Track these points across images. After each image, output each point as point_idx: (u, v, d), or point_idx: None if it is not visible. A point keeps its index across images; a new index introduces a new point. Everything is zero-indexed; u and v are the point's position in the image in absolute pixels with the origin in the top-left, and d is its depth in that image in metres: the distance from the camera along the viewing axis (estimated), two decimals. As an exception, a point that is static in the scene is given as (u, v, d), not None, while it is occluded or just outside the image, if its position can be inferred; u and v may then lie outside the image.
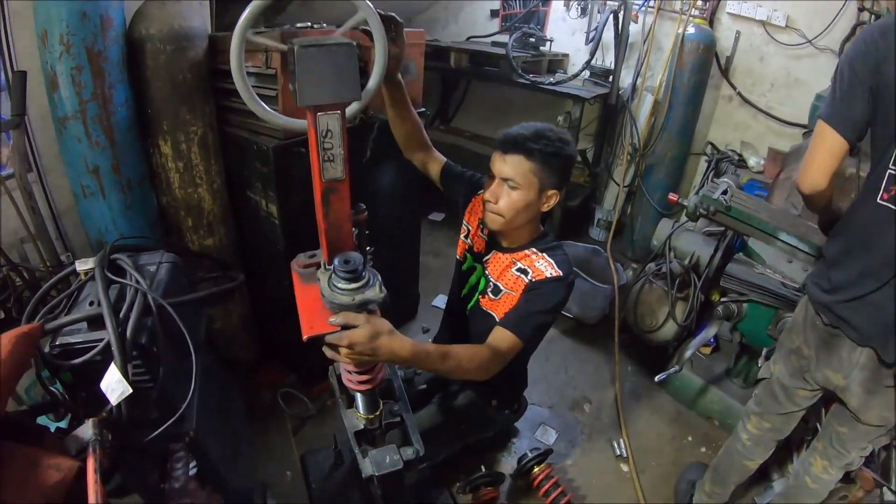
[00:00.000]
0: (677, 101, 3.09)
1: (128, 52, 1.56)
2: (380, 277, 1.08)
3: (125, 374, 1.06)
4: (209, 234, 1.85)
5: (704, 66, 3.03)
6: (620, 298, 2.76)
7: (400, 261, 2.62)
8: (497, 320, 1.48)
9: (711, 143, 3.36)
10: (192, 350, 1.21)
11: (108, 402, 1.05)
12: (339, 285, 1.03)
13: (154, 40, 1.56)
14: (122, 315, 1.13)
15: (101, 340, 1.09)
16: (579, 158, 3.57)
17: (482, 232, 1.59)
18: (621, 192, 3.55)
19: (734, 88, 3.19)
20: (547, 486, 1.80)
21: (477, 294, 1.60)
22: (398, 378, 1.44)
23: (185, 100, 1.64)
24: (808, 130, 2.21)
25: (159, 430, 1.14)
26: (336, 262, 1.03)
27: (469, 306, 1.64)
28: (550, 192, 1.40)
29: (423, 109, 2.28)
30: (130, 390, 1.05)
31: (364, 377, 1.20)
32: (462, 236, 1.66)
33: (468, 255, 1.64)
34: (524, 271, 1.44)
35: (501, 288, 1.49)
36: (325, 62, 1.03)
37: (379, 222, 2.38)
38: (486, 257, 1.57)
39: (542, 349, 2.71)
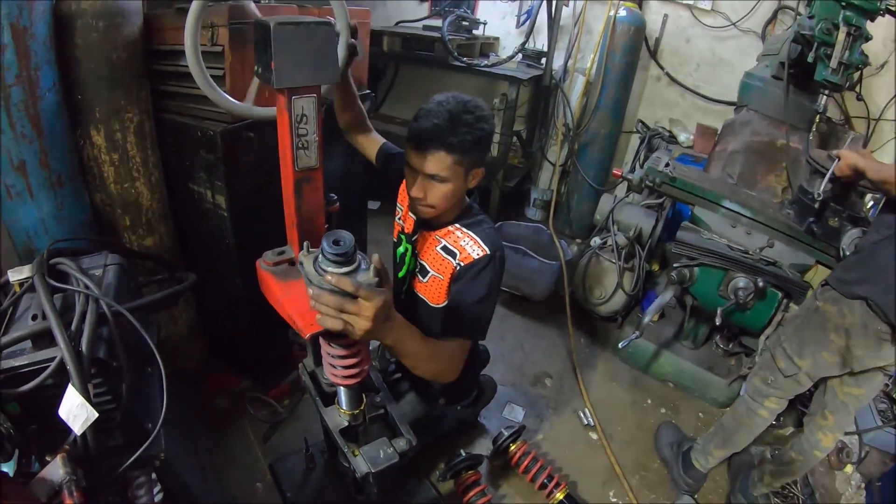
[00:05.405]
0: (609, 81, 3.20)
1: (55, 28, 1.35)
2: (370, 260, 1.00)
3: (86, 395, 0.93)
4: (149, 232, 1.67)
5: (635, 47, 3.15)
6: (567, 273, 2.84)
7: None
8: (429, 305, 1.47)
9: (642, 121, 3.52)
10: (158, 360, 1.08)
11: (71, 431, 0.91)
12: (329, 269, 0.94)
13: (85, 15, 1.36)
14: (73, 327, 0.98)
15: (52, 360, 0.95)
16: (514, 140, 3.60)
17: (412, 212, 1.52)
18: (556, 171, 3.64)
19: (662, 69, 3.36)
20: (526, 462, 1.82)
21: (408, 276, 1.58)
22: (374, 368, 1.38)
23: (120, 83, 1.45)
24: (738, 105, 2.34)
25: (134, 455, 1.00)
26: (324, 243, 0.93)
27: (404, 289, 1.61)
28: (477, 170, 1.36)
29: (370, 91, 2.18)
30: (97, 414, 0.92)
31: (352, 370, 1.13)
32: (396, 218, 1.62)
33: (402, 236, 1.60)
34: (451, 252, 1.40)
35: (428, 269, 1.46)
36: (303, 42, 0.97)
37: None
38: (415, 237, 1.54)
39: (496, 328, 2.74)
